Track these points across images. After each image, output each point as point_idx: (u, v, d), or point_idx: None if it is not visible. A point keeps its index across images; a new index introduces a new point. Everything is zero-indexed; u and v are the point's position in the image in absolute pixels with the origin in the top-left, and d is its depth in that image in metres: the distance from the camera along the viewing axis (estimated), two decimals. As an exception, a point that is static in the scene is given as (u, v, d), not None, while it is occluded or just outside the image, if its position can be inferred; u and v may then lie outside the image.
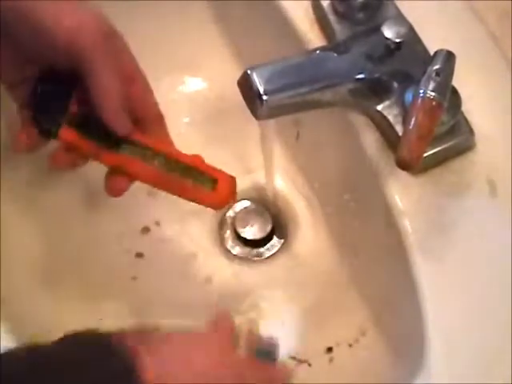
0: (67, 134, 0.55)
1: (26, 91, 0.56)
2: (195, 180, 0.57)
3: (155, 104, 0.58)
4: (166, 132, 0.59)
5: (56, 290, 0.67)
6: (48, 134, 0.55)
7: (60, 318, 0.66)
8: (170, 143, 0.59)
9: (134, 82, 0.56)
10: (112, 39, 0.54)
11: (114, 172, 0.57)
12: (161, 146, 0.57)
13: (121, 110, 0.54)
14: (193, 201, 0.58)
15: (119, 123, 0.55)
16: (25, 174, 0.70)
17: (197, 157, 0.58)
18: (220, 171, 0.58)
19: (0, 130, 0.67)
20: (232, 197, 0.59)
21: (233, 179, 0.59)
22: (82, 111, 0.55)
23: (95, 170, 0.57)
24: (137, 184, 0.59)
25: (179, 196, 0.58)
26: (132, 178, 0.57)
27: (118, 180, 0.57)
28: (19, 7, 0.51)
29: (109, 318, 0.67)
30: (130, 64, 0.56)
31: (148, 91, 0.57)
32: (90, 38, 0.52)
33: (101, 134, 0.55)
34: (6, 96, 0.57)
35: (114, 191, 0.57)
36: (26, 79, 0.56)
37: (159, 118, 0.58)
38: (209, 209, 0.59)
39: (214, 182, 0.58)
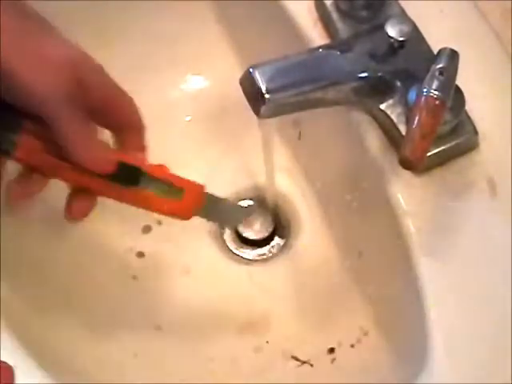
0: (25, 151, 0.53)
1: None
2: (161, 191, 0.56)
3: (134, 114, 0.57)
4: (142, 143, 0.58)
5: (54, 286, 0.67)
6: (5, 151, 0.53)
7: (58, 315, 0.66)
8: (142, 154, 0.58)
9: (108, 102, 0.56)
10: (81, 84, 0.53)
11: (75, 193, 0.56)
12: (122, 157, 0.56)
13: (99, 155, 0.54)
14: (160, 213, 0.58)
15: (100, 167, 0.54)
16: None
17: (162, 166, 0.57)
18: (187, 180, 0.58)
19: None
20: (199, 206, 0.58)
21: (200, 188, 0.58)
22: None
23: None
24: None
25: (145, 209, 0.57)
26: (96, 195, 0.56)
27: (82, 201, 0.56)
28: None
29: (108, 316, 0.67)
30: (101, 90, 0.55)
31: (124, 105, 0.57)
32: (55, 102, 0.51)
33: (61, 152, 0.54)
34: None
35: (79, 214, 0.56)
36: None
37: (137, 129, 0.58)
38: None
39: (181, 192, 0.57)
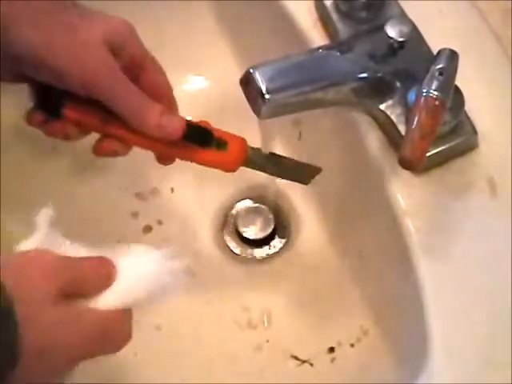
0: (72, 111, 0.56)
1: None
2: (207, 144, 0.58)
3: (167, 84, 0.59)
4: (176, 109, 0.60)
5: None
6: (54, 111, 0.56)
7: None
8: None
9: (143, 69, 0.57)
10: (122, 51, 0.55)
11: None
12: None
13: (162, 122, 0.55)
14: (206, 165, 0.59)
15: (168, 133, 0.56)
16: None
17: (204, 122, 0.59)
18: (229, 134, 0.59)
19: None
20: (244, 157, 0.60)
21: (243, 140, 0.60)
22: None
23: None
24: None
25: (190, 161, 0.59)
26: (150, 149, 0.58)
27: (113, 142, 0.57)
28: (33, 49, 0.52)
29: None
30: (138, 53, 0.57)
31: (157, 73, 0.58)
32: (106, 82, 0.53)
33: (103, 109, 0.55)
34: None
35: (109, 153, 0.58)
36: None
37: (170, 97, 0.59)
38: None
39: (225, 144, 0.58)
